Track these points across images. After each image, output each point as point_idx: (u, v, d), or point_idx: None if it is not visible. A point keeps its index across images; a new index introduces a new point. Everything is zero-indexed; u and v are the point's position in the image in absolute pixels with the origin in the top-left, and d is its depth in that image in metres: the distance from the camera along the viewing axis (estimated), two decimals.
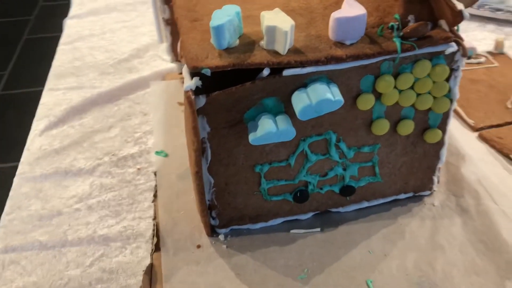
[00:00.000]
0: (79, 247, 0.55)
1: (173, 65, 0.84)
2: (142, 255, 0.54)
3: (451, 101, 0.52)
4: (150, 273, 0.52)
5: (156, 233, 0.56)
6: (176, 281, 0.50)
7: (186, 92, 0.45)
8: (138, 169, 0.65)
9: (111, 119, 0.75)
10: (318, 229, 0.56)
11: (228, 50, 0.46)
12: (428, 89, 0.50)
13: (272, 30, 0.45)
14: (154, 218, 0.58)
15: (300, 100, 0.46)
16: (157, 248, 0.54)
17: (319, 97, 0.46)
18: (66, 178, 0.64)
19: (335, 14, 0.46)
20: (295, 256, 0.53)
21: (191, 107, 0.46)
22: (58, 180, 0.64)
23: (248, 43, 0.47)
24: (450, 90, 0.51)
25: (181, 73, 0.83)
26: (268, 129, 0.46)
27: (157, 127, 0.72)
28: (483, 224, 0.56)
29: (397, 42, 0.47)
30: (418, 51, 0.47)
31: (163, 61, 0.89)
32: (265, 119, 0.47)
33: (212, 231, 0.56)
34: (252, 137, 0.47)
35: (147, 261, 0.53)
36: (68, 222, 0.58)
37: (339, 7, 0.48)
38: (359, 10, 0.46)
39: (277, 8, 0.48)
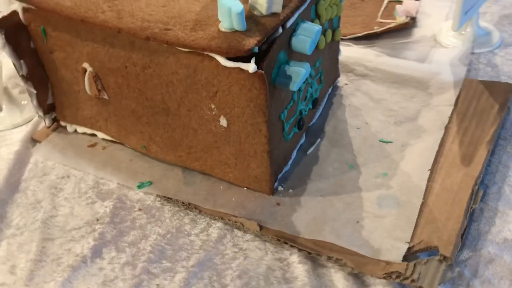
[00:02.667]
0: None
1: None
2: None
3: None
4: None
5: None
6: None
7: (256, 72, 0.50)
8: None
9: None
10: (319, 139, 0.70)
11: (248, 28, 0.52)
12: (336, 1, 0.68)
13: None
14: None
15: (304, 40, 0.57)
16: None
17: (314, 30, 0.58)
18: None
19: None
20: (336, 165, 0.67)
21: (264, 83, 0.51)
22: None
23: (249, 17, 0.54)
24: None
25: (49, 127, 0.76)
26: (303, 72, 0.56)
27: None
28: None
29: None
30: None
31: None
32: (293, 67, 0.56)
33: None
34: (294, 85, 0.56)
35: None
36: None
37: None
38: None
39: None
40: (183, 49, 0.54)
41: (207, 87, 0.55)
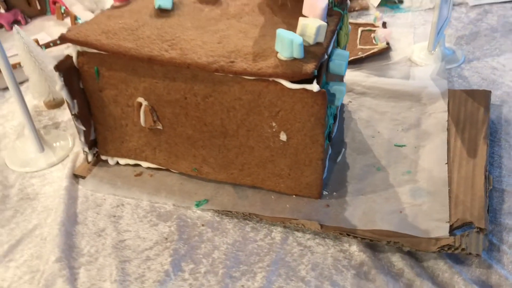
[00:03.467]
0: None
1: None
2: None
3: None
4: None
5: None
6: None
7: (320, 91, 0.60)
8: None
9: None
10: (343, 149, 0.81)
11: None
12: (347, 31, 0.80)
13: (320, 27, 0.64)
14: None
15: (340, 64, 0.69)
16: None
17: (346, 55, 0.70)
18: None
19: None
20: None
21: (325, 100, 0.61)
22: None
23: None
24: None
25: (90, 162, 0.81)
26: (344, 90, 0.67)
27: None
28: None
29: (340, 10, 0.74)
30: (344, 12, 0.76)
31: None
32: (335, 86, 0.67)
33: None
34: (339, 101, 0.67)
35: None
36: None
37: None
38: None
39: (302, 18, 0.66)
40: (249, 78, 0.63)
41: (270, 108, 0.64)
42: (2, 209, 0.75)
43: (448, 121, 0.83)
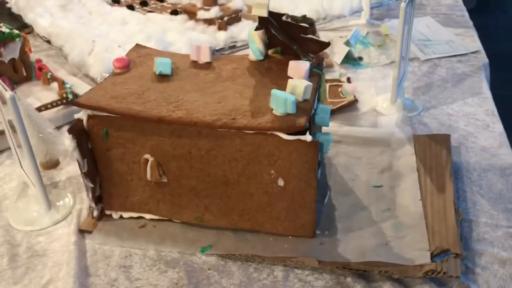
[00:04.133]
0: None
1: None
2: None
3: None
4: None
5: None
6: None
7: (313, 141, 0.69)
8: None
9: None
10: (328, 191, 0.90)
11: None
12: (324, 88, 0.91)
13: (307, 87, 0.74)
14: None
15: (323, 118, 0.79)
16: None
17: (328, 109, 0.80)
18: None
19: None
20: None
21: (317, 148, 0.70)
22: None
23: None
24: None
25: (94, 217, 0.86)
26: (331, 139, 0.77)
27: None
28: None
29: (319, 71, 0.85)
30: (322, 72, 0.87)
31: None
32: (323, 136, 0.77)
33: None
34: (327, 149, 0.76)
35: None
36: None
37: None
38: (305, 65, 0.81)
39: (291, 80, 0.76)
40: (250, 132, 0.72)
41: (269, 157, 0.73)
42: (13, 267, 0.78)
43: (416, 162, 0.94)
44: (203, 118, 0.73)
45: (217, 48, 1.48)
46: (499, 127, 1.08)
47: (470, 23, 1.60)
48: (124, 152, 0.80)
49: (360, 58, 1.44)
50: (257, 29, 0.87)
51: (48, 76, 1.29)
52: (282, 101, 0.71)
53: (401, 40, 1.06)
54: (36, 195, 0.86)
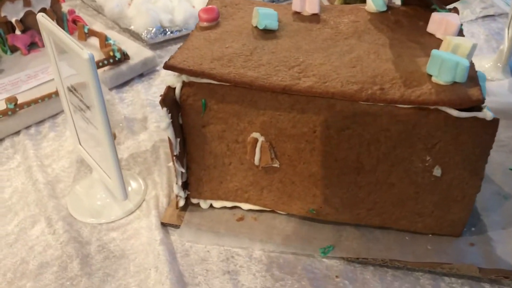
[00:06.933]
0: None
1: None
2: None
3: None
4: None
5: None
6: None
7: (493, 119, 0.53)
8: None
9: None
10: None
11: None
12: None
13: (473, 47, 0.57)
14: None
15: (482, 87, 0.62)
16: None
17: (484, 77, 0.63)
18: None
19: None
20: None
21: (497, 128, 0.54)
22: None
23: None
24: None
25: (178, 208, 0.69)
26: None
27: None
28: None
29: None
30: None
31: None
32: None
33: None
34: None
35: None
36: None
37: None
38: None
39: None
40: (404, 106, 0.55)
41: (426, 139, 0.56)
42: (88, 272, 0.62)
43: None
44: (342, 88, 0.56)
45: None
46: None
47: None
48: (225, 129, 0.63)
49: None
50: None
51: (85, 30, 1.09)
52: (451, 66, 0.54)
53: None
54: (103, 179, 0.69)
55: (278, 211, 0.68)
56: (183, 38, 1.16)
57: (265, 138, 0.61)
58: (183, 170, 0.65)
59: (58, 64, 0.65)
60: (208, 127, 0.63)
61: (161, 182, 0.75)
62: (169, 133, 0.60)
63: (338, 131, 0.59)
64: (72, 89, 0.64)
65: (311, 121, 0.59)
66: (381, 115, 0.56)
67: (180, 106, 0.62)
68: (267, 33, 0.66)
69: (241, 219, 0.69)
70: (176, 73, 0.60)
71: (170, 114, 0.59)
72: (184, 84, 0.60)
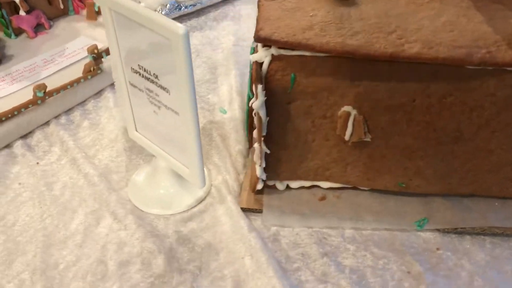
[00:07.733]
0: None
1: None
2: None
3: None
4: None
5: None
6: None
7: None
8: None
9: None
10: None
11: None
12: None
13: None
14: None
15: None
16: None
17: None
18: None
19: None
20: None
21: None
22: None
23: None
24: None
25: (254, 191, 0.66)
26: None
27: None
28: None
29: None
30: None
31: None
32: None
33: None
34: None
35: None
36: None
37: None
38: None
39: None
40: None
41: None
42: (176, 267, 0.58)
43: None
44: (451, 53, 0.53)
45: None
46: None
47: None
48: (312, 105, 0.59)
49: None
50: None
51: (96, 8, 1.01)
52: None
53: None
54: (174, 166, 0.64)
55: (361, 187, 0.66)
56: (197, 13, 1.10)
57: (357, 111, 0.58)
58: (269, 151, 0.61)
59: (119, 42, 0.59)
60: (294, 103, 0.59)
61: (225, 166, 0.70)
62: (261, 112, 0.56)
63: (439, 99, 0.56)
64: (141, 70, 0.58)
65: (411, 90, 0.56)
66: (487, 80, 0.54)
67: (266, 81, 0.57)
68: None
69: (323, 198, 0.65)
70: (264, 47, 0.55)
71: (264, 92, 0.54)
72: (273, 59, 0.55)
